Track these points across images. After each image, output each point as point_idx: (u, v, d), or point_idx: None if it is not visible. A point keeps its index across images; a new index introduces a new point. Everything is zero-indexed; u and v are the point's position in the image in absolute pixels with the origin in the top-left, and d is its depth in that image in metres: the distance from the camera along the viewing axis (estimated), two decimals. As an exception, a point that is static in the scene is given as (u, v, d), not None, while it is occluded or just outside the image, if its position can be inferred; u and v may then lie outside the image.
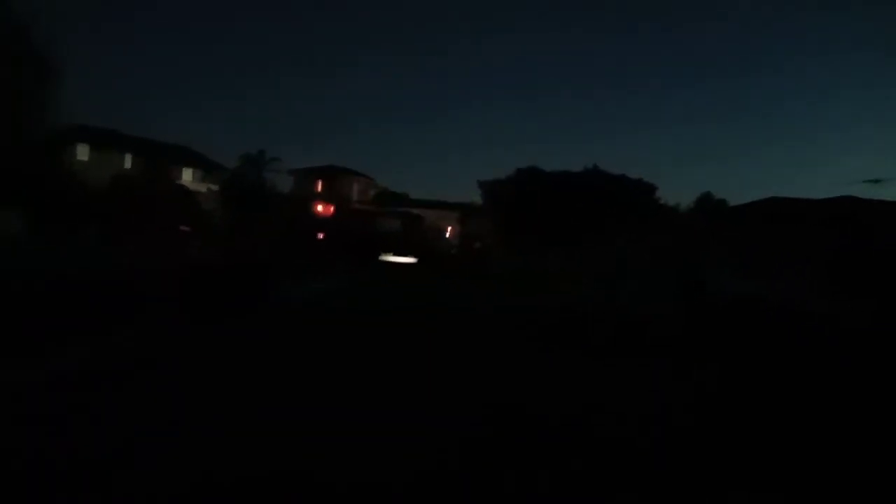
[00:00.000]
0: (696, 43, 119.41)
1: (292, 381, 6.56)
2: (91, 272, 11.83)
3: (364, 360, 7.82)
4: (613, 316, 10.52)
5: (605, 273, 14.10)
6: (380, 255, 33.94)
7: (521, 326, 10.95)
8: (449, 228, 54.80)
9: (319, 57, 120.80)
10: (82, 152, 42.35)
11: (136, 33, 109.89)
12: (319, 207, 50.81)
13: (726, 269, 14.61)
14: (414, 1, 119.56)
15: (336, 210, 49.26)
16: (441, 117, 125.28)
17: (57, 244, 16.49)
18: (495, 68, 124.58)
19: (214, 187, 50.64)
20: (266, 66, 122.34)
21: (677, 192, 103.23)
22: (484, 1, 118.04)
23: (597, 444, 5.06)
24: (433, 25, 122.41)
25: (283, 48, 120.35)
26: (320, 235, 39.53)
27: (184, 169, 52.22)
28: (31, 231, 18.83)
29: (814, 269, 14.55)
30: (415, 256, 34.65)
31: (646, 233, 26.29)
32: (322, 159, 68.42)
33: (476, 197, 52.24)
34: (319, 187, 62.53)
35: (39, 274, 10.88)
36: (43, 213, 20.03)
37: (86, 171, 35.94)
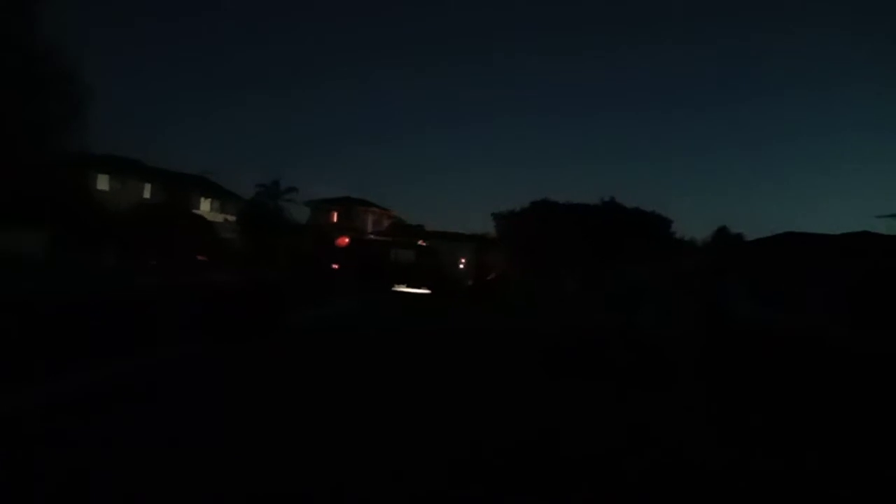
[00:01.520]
0: (712, 75, 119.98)
1: (304, 412, 6.55)
2: (110, 295, 12.03)
3: (379, 386, 7.84)
4: (631, 343, 10.47)
5: (622, 300, 14.08)
6: (394, 285, 34.02)
7: (533, 352, 10.93)
8: (463, 260, 54.87)
9: (336, 89, 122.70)
10: (104, 181, 43.11)
11: (153, 65, 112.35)
12: (334, 237, 51.17)
13: (745, 300, 14.56)
14: (429, 34, 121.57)
15: (351, 240, 49.56)
16: (456, 148, 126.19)
17: (77, 268, 16.76)
18: (509, 99, 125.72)
19: (232, 217, 51.29)
20: (284, 97, 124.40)
21: (693, 225, 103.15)
22: (500, 31, 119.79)
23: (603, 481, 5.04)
24: (449, 57, 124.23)
25: (301, 81, 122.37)
26: (335, 265, 39.71)
27: (202, 199, 53.02)
28: (52, 254, 19.18)
29: (831, 300, 14.47)
30: (428, 287, 34.68)
31: (663, 263, 26.25)
32: (338, 190, 69.19)
33: (490, 228, 52.64)
34: (335, 218, 63.14)
35: (60, 296, 11.09)
36: (65, 237, 20.41)
37: (107, 199, 36.61)
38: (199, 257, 34.58)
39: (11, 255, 16.22)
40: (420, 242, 47.66)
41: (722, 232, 47.62)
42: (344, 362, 9.12)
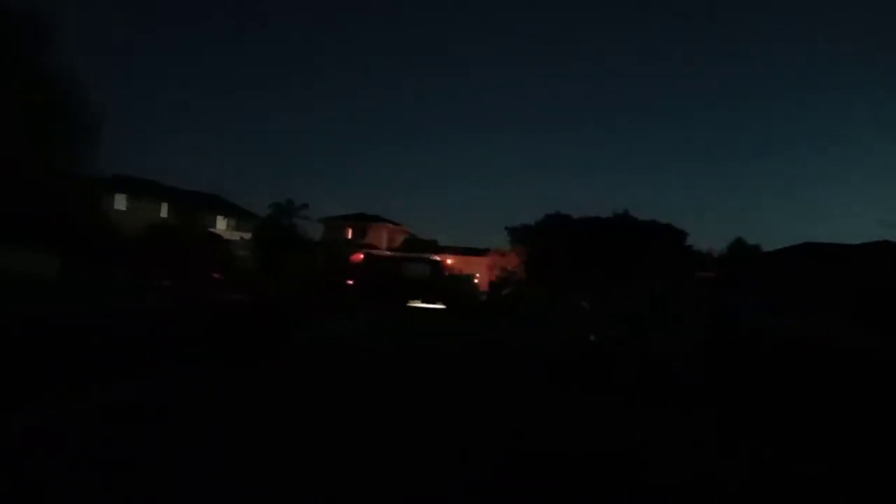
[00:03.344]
0: (725, 85, 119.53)
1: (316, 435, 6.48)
2: (123, 316, 12.09)
3: (390, 402, 7.76)
4: (640, 356, 10.34)
5: (634, 314, 13.93)
6: (408, 300, 33.91)
7: (544, 367, 10.83)
8: (477, 274, 54.86)
9: (349, 105, 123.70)
10: (120, 201, 43.70)
11: (166, 84, 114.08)
12: (348, 254, 51.35)
13: (759, 313, 14.35)
14: (443, 48, 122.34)
15: (365, 256, 49.67)
16: (469, 164, 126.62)
17: (88, 288, 16.89)
18: (522, 113, 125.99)
19: (246, 235, 51.73)
20: (297, 114, 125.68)
21: (709, 237, 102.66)
22: (512, 43, 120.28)
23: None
24: (462, 69, 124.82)
25: (314, 97, 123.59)
26: (350, 281, 39.78)
27: (217, 217, 53.56)
28: (64, 274, 19.38)
29: (850, 310, 14.22)
30: (443, 302, 34.54)
31: (677, 275, 25.98)
32: (352, 206, 69.61)
33: (504, 243, 52.59)
34: (349, 234, 63.45)
35: (72, 317, 11.15)
36: (80, 257, 20.63)
37: (124, 219, 37.06)
38: (215, 275, 34.80)
39: (23, 275, 16.40)
40: (434, 257, 47.72)
41: (738, 243, 47.22)
42: (355, 379, 9.06)
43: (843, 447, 6.40)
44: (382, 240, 63.66)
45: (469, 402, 8.03)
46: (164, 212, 47.11)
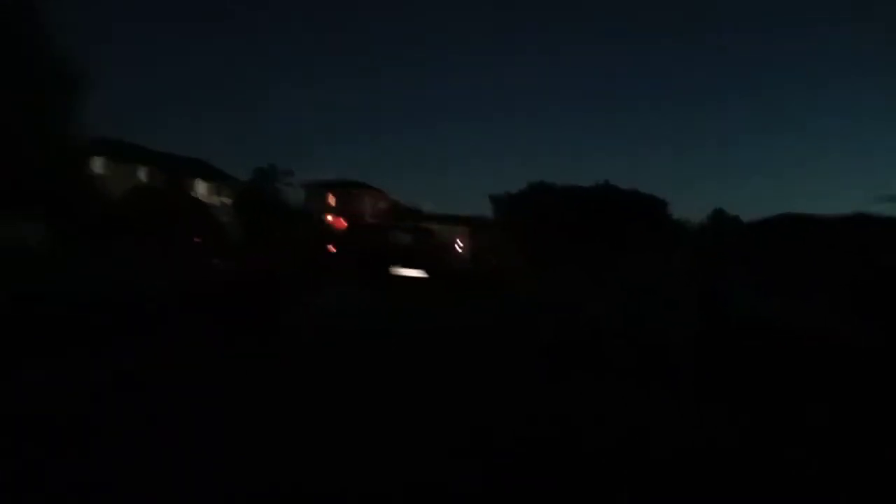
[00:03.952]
0: (705, 57, 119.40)
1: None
2: (111, 286, 12.05)
3: (383, 381, 7.87)
4: (629, 336, 10.46)
5: (620, 290, 14.08)
6: (391, 268, 33.92)
7: (530, 346, 10.87)
8: (461, 242, 54.93)
9: (331, 68, 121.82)
10: (100, 164, 42.84)
11: (143, 45, 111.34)
12: (331, 221, 51.13)
13: (742, 288, 14.54)
14: (425, 14, 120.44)
15: (348, 223, 49.53)
16: (451, 130, 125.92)
17: (75, 255, 16.75)
18: (505, 81, 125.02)
19: (228, 200, 51.17)
20: (283, 80, 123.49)
21: (689, 207, 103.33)
22: (497, 14, 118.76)
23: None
24: (444, 37, 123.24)
25: (295, 59, 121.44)
26: (332, 248, 39.70)
27: (198, 181, 52.79)
28: (50, 242, 19.15)
29: (829, 288, 14.44)
30: (426, 270, 34.62)
31: (660, 249, 26.19)
32: (334, 172, 69.00)
33: (487, 210, 52.58)
34: (332, 200, 63.06)
35: (63, 288, 11.12)
36: (62, 224, 20.36)
37: (103, 182, 36.45)
38: (196, 240, 34.47)
39: (10, 245, 16.22)
40: (417, 225, 47.64)
41: (718, 214, 47.51)
42: (346, 363, 9.12)
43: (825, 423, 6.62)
44: (366, 207, 63.33)
45: (452, 380, 8.10)
46: (145, 175, 46.36)
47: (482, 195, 72.45)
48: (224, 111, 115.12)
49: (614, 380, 8.42)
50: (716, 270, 18.04)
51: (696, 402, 7.47)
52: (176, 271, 15.91)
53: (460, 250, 53.32)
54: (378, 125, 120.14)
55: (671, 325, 10.88)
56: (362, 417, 6.04)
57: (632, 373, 8.66)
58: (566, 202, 41.90)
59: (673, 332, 10.54)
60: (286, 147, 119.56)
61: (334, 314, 14.11)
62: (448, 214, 61.52)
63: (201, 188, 52.93)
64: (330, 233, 45.83)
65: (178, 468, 4.44)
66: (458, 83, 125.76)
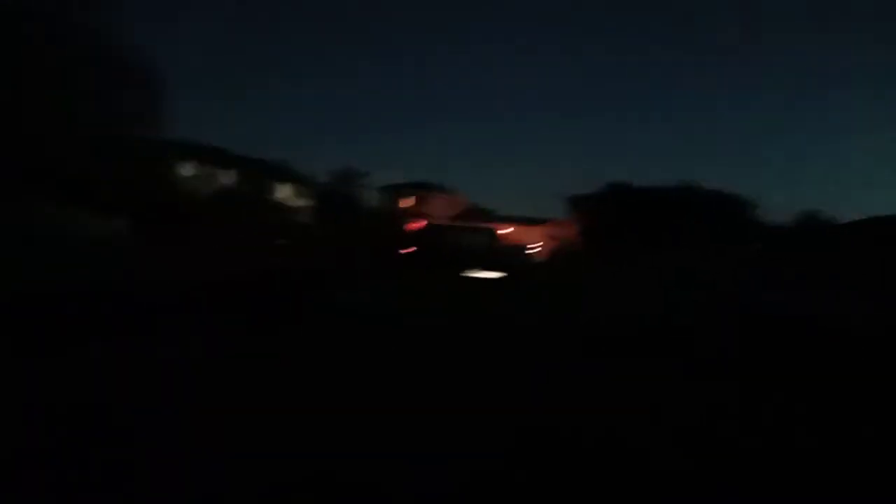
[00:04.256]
0: (795, 53, 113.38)
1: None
2: (194, 278, 12.59)
3: (446, 370, 7.74)
4: (695, 333, 10.01)
5: (686, 287, 13.52)
6: (466, 269, 33.87)
7: (610, 338, 10.58)
8: (536, 243, 54.40)
9: (409, 74, 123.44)
10: (189, 168, 44.90)
11: (228, 52, 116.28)
12: (406, 222, 51.68)
13: (808, 290, 13.67)
14: (497, 15, 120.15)
15: (422, 225, 49.92)
16: (527, 132, 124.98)
17: (154, 253, 17.57)
18: (580, 81, 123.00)
19: (309, 202, 52.68)
20: (358, 81, 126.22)
21: (782, 208, 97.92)
22: (570, 12, 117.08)
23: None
24: (519, 37, 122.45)
25: (375, 65, 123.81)
26: (407, 250, 40.12)
27: (281, 184, 54.50)
28: (137, 240, 20.21)
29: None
30: (501, 271, 34.39)
31: (740, 247, 25.02)
32: (410, 175, 69.78)
33: (564, 212, 51.85)
34: (406, 202, 63.82)
35: (139, 279, 11.65)
36: (150, 223, 21.48)
37: (190, 185, 38.20)
38: (278, 242, 35.63)
39: (94, 239, 17.22)
40: (491, 226, 47.46)
41: (808, 214, 44.90)
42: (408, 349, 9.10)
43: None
44: (440, 208, 63.72)
45: (502, 368, 7.90)
46: (229, 179, 48.23)
47: (559, 197, 71.55)
48: (304, 114, 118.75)
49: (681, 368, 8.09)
50: (770, 272, 17.04)
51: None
52: (257, 269, 16.52)
53: (535, 251, 52.82)
54: (453, 127, 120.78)
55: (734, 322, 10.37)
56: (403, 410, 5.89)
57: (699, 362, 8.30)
58: (645, 202, 40.72)
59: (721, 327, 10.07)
60: (364, 149, 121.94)
61: (392, 308, 14.20)
62: (523, 216, 61.11)
63: (283, 191, 54.65)
64: (404, 234, 46.30)
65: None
66: (534, 84, 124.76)
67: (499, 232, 47.22)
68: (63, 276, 10.76)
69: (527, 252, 49.71)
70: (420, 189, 64.78)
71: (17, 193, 16.24)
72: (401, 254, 37.50)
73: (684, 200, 39.68)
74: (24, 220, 16.53)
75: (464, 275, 32.48)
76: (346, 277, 16.69)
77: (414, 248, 40.25)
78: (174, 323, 9.20)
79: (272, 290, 12.34)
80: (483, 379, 7.37)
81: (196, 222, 27.10)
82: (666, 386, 7.14)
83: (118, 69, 18.51)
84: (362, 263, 21.95)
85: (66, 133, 16.93)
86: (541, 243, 54.55)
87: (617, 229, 39.09)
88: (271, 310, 11.21)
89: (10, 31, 16.76)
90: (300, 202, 53.17)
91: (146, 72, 19.33)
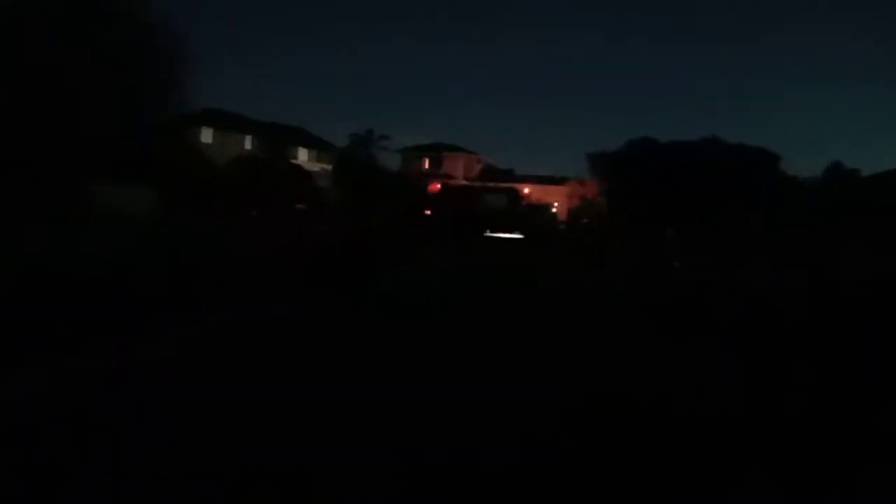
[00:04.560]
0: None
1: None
2: (227, 250, 12.77)
3: (483, 337, 7.84)
4: (732, 302, 9.83)
5: (722, 253, 13.31)
6: (486, 230, 33.84)
7: (639, 309, 10.51)
8: (556, 203, 53.97)
9: (428, 37, 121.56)
10: (206, 135, 44.90)
11: (246, 16, 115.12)
12: (427, 185, 51.52)
13: (857, 249, 13.36)
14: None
15: (443, 187, 49.72)
16: (544, 89, 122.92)
17: (185, 225, 17.72)
18: (597, 39, 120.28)
19: (327, 166, 52.54)
20: (377, 44, 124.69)
21: (804, 159, 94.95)
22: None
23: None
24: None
25: (390, 25, 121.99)
26: (428, 211, 40.09)
27: (299, 149, 54.40)
28: (161, 209, 20.41)
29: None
30: (521, 232, 34.31)
31: (767, 208, 24.55)
32: (428, 136, 69.23)
33: (584, 171, 50.83)
34: (426, 164, 63.49)
35: (175, 252, 11.80)
36: (172, 192, 21.62)
37: (210, 152, 38.26)
38: (299, 207, 35.76)
39: (124, 213, 17.41)
40: (511, 186, 47.15)
41: (835, 168, 43.40)
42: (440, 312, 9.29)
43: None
44: (459, 169, 63.37)
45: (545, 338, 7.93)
46: (248, 144, 48.20)
47: (579, 155, 70.65)
48: (322, 77, 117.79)
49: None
50: (821, 234, 16.60)
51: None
52: (281, 237, 16.64)
53: (555, 211, 52.45)
54: (471, 87, 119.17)
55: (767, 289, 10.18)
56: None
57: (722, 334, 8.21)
58: (667, 159, 39.88)
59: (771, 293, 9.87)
60: (383, 111, 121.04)
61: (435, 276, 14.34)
62: (542, 175, 60.54)
63: (302, 155, 54.56)
64: (425, 196, 46.19)
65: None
66: (552, 43, 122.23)
67: (518, 191, 46.95)
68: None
69: (548, 212, 49.36)
70: (440, 151, 64.37)
71: (70, 174, 16.59)
72: (424, 215, 37.51)
73: (712, 156, 38.65)
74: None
75: (487, 235, 32.50)
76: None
77: (433, 210, 40.27)
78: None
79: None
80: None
81: (216, 190, 27.29)
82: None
83: (151, 43, 18.50)
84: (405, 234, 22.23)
85: (108, 112, 17.09)
86: (559, 203, 54.17)
87: (641, 188, 38.37)
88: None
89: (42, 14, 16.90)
90: (319, 166, 53.14)
91: (177, 41, 19.29)
